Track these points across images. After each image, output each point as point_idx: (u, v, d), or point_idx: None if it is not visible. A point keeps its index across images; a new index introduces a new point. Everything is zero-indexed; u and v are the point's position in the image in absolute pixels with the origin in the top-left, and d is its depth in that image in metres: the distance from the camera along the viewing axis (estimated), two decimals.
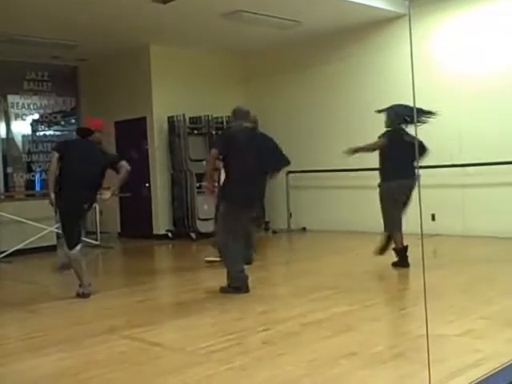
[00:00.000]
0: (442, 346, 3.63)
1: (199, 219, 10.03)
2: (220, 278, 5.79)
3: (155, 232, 10.47)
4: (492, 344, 3.70)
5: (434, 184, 8.36)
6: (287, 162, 5.60)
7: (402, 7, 9.02)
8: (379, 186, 6.40)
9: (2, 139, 10.82)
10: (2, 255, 8.44)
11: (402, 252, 6.30)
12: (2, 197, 10.14)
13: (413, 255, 6.64)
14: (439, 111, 6.19)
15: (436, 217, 8.54)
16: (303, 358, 3.59)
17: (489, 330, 4.04)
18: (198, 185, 10.03)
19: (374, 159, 9.11)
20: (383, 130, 6.49)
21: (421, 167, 3.43)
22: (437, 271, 5.92)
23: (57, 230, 9.51)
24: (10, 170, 10.84)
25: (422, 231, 2.99)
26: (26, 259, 8.11)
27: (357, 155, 6.57)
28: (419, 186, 2.78)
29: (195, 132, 10.40)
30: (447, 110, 8.80)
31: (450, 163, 8.62)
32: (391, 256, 6.49)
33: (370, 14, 9.10)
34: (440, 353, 3.44)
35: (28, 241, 8.52)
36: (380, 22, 9.44)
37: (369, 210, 8.97)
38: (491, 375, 3.12)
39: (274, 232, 10.57)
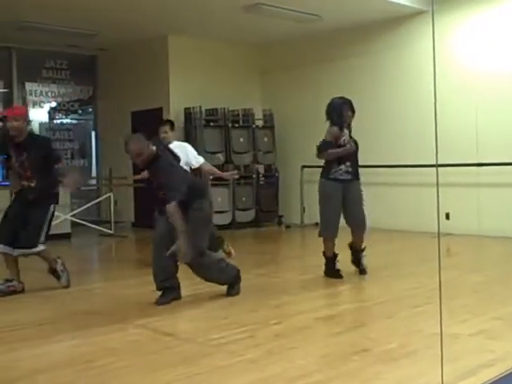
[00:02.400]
0: (455, 345, 3.61)
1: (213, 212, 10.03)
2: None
3: None
4: (505, 345, 3.67)
5: (449, 182, 8.31)
6: None
7: (423, 3, 8.96)
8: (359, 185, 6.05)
9: None
10: None
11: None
12: None
13: (427, 253, 6.63)
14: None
15: (450, 216, 8.48)
16: (315, 353, 3.58)
17: (502, 330, 4.01)
18: (211, 177, 10.05)
19: (384, 157, 9.11)
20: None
21: (439, 165, 3.38)
22: (451, 270, 5.89)
23: (71, 218, 9.60)
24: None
25: (438, 230, 2.98)
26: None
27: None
28: (437, 184, 2.75)
29: (211, 124, 10.40)
30: (465, 109, 8.78)
31: (466, 162, 8.56)
32: (404, 253, 6.47)
33: (391, 9, 9.04)
34: (453, 352, 3.42)
35: None
36: (401, 18, 9.38)
37: (381, 207, 8.97)
38: (504, 376, 3.10)
39: (287, 226, 10.56)
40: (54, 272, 5.70)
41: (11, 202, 5.71)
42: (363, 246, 6.02)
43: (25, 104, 10.81)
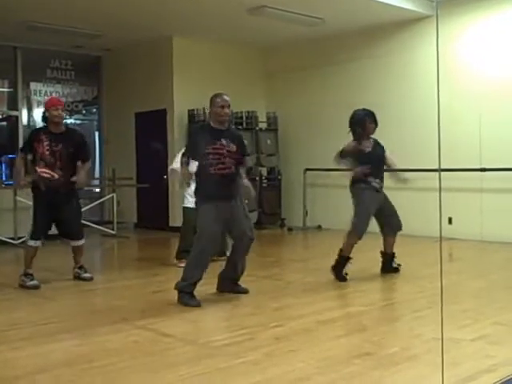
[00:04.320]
0: (456, 349, 3.61)
1: None
2: None
3: (171, 224, 10.50)
4: (506, 350, 3.67)
5: (451, 187, 8.30)
6: None
7: (427, 8, 8.96)
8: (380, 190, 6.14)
9: (24, 126, 10.90)
10: (20, 241, 8.51)
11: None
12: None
13: (429, 258, 6.63)
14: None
15: (453, 220, 8.48)
16: (316, 356, 3.58)
17: (503, 336, 4.01)
18: None
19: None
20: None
21: (442, 170, 3.38)
22: (453, 275, 5.89)
23: None
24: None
25: (440, 234, 2.98)
26: (43, 246, 8.16)
27: None
28: (440, 189, 2.74)
29: None
30: (469, 113, 8.78)
31: (469, 167, 8.55)
32: (406, 257, 6.45)
33: (395, 13, 9.04)
34: (454, 357, 3.42)
35: None
36: (405, 23, 9.38)
37: None
38: (505, 381, 3.10)
39: (290, 229, 10.56)
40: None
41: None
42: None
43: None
